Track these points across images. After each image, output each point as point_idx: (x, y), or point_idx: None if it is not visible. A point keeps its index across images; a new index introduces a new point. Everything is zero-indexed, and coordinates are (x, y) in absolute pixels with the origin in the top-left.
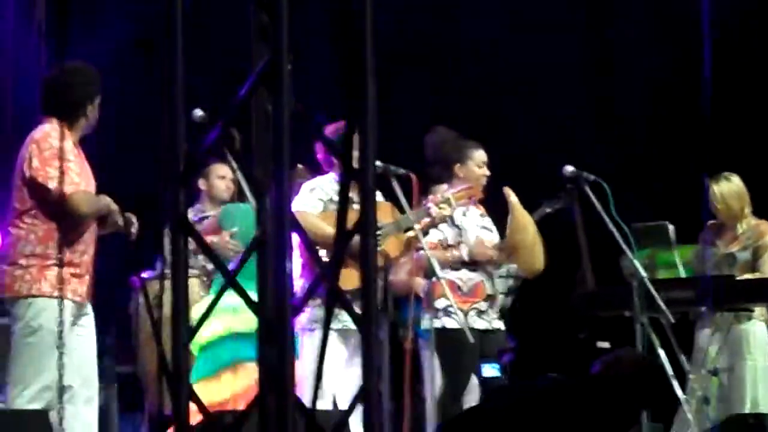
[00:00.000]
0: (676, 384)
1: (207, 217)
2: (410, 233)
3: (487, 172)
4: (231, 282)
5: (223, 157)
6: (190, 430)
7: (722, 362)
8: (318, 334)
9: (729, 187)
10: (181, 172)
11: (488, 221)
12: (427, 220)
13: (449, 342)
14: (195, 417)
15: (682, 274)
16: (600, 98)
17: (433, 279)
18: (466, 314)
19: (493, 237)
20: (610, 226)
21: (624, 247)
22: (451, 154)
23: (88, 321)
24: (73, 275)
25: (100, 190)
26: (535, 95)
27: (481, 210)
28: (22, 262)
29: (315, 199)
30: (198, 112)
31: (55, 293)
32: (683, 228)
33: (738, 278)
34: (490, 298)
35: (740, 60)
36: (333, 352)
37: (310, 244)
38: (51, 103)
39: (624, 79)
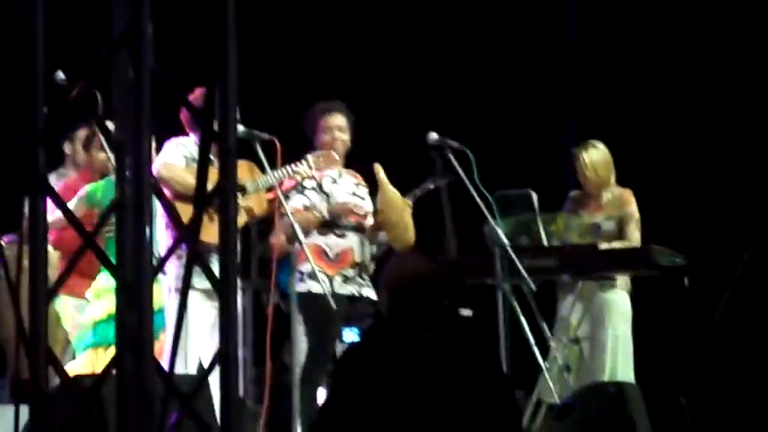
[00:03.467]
0: (537, 352)
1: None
2: (271, 195)
3: (339, 137)
4: (89, 244)
5: (87, 121)
6: (47, 394)
7: (583, 331)
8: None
9: (597, 155)
10: (40, 132)
11: (363, 191)
12: (287, 181)
13: (313, 307)
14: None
15: (545, 242)
16: (465, 63)
17: (296, 244)
18: (331, 280)
19: (364, 205)
20: (474, 193)
21: (487, 214)
22: (308, 127)
23: None
24: None
25: None
26: (400, 58)
27: (358, 179)
28: None
29: (179, 155)
30: (60, 75)
31: None
32: (545, 197)
33: (600, 247)
34: (358, 265)
35: (603, 24)
36: (200, 313)
37: (169, 206)
38: None
39: (488, 41)
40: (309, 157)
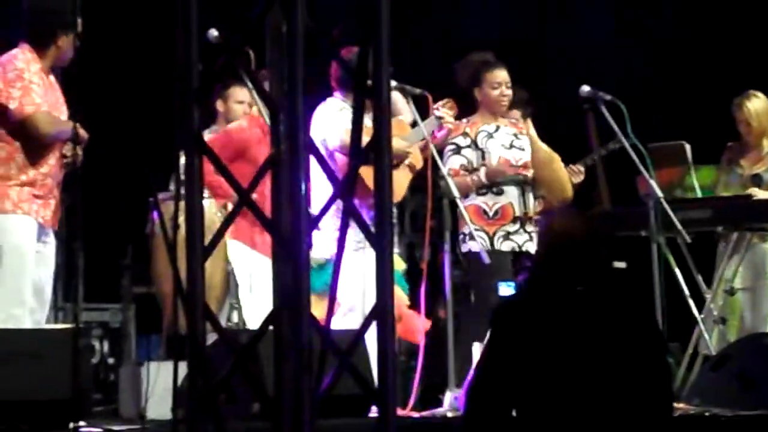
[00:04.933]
0: (692, 304)
1: None
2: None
3: (506, 92)
4: (245, 201)
5: (239, 78)
6: (204, 351)
7: (742, 282)
8: (362, 253)
9: (760, 104)
10: (195, 90)
11: (523, 140)
12: (441, 131)
13: (472, 264)
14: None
15: (699, 194)
16: (619, 17)
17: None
18: (492, 237)
19: (523, 155)
20: (627, 146)
21: (640, 167)
22: (467, 79)
23: (50, 249)
24: (36, 197)
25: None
26: (557, 15)
27: (517, 129)
28: None
29: (347, 119)
30: (213, 33)
31: (18, 211)
32: (699, 148)
33: (755, 198)
34: (519, 219)
35: None
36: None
37: (324, 164)
38: (24, 28)
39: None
40: (439, 108)
